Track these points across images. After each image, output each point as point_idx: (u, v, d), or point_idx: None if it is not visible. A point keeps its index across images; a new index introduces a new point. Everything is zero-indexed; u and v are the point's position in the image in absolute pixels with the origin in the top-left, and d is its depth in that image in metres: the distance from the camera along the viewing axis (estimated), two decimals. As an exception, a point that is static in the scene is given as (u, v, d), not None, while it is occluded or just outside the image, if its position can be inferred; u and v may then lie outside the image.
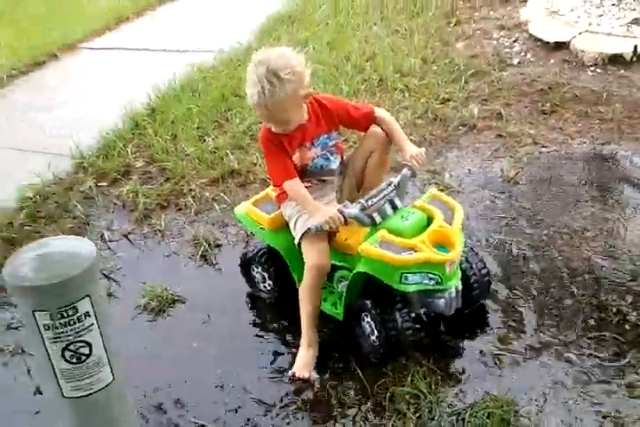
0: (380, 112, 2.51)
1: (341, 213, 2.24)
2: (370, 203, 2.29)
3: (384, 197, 2.31)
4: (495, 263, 2.80)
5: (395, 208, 2.33)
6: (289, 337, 2.55)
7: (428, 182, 3.40)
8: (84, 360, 1.46)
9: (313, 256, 2.35)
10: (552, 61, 4.64)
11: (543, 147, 3.69)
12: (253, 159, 3.72)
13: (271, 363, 2.45)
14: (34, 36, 6.03)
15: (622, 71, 4.37)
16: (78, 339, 1.43)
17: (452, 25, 5.47)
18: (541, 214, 3.12)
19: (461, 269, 2.38)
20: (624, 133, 3.72)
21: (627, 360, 2.28)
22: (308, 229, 2.31)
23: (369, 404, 2.23)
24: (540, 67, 4.60)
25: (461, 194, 3.31)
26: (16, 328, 2.72)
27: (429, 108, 4.09)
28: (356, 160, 2.57)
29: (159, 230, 3.28)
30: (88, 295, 1.41)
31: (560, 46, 4.72)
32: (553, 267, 2.76)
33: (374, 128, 2.49)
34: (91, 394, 1.50)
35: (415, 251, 2.19)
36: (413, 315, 2.37)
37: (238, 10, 6.41)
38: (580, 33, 4.75)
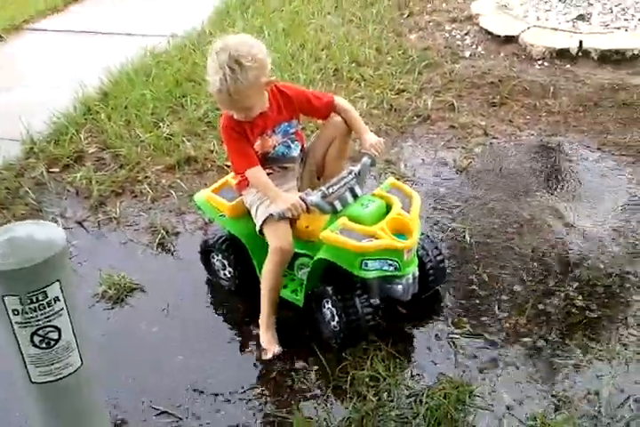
0: (340, 101, 2.54)
1: (303, 200, 2.27)
2: (331, 191, 2.33)
3: (345, 184, 2.35)
4: (449, 250, 2.89)
5: (355, 196, 2.37)
6: (249, 323, 2.57)
7: (384, 172, 3.46)
8: (53, 345, 1.46)
9: (277, 239, 2.37)
10: (502, 55, 4.77)
11: (493, 138, 3.80)
12: (210, 146, 3.70)
13: (231, 349, 2.48)
14: (-24, 15, 5.80)
15: (568, 66, 4.53)
16: (47, 324, 1.42)
17: (405, 16, 5.53)
18: (492, 203, 3.23)
19: (418, 256, 2.45)
20: (570, 126, 3.87)
21: (574, 342, 2.40)
22: (271, 215, 2.34)
23: (330, 387, 2.28)
24: (490, 60, 4.72)
25: (416, 183, 3.39)
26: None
27: (384, 99, 4.15)
28: (317, 149, 2.60)
29: (114, 218, 3.24)
30: (58, 280, 1.40)
31: (509, 40, 4.85)
32: (504, 254, 2.87)
33: (334, 117, 2.52)
34: (60, 379, 1.50)
35: (375, 238, 2.24)
36: (373, 301, 2.41)
37: (191, -6, 6.32)
38: (528, 27, 4.89)
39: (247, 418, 2.20)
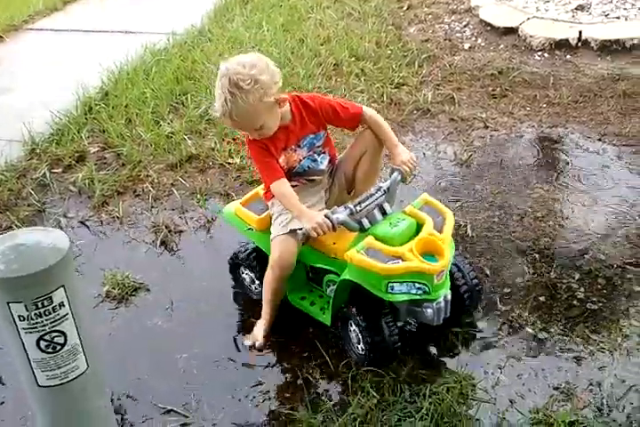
0: (369, 112, 2.41)
1: (329, 218, 2.16)
2: (358, 208, 2.21)
3: (373, 202, 2.24)
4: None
5: (384, 213, 2.26)
6: (253, 322, 2.57)
7: (384, 166, 3.47)
8: (59, 350, 1.48)
9: (277, 254, 2.33)
10: (502, 46, 4.76)
11: (494, 130, 3.81)
12: (211, 144, 3.72)
13: (236, 347, 2.50)
14: (-25, 16, 5.81)
15: (568, 56, 4.52)
16: (53, 329, 1.44)
17: (404, 9, 5.52)
18: (493, 196, 3.24)
19: (452, 277, 2.30)
20: (570, 117, 3.87)
21: (575, 334, 2.42)
22: (295, 233, 2.27)
23: (333, 383, 2.31)
24: (490, 51, 4.71)
25: (416, 177, 3.40)
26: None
27: (384, 93, 4.15)
28: (347, 162, 2.50)
29: (117, 217, 3.26)
30: (62, 286, 1.42)
31: (509, 31, 4.84)
32: (505, 247, 2.88)
33: (365, 131, 2.43)
34: (66, 382, 1.52)
35: (402, 259, 2.11)
36: (400, 323, 2.35)
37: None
38: (528, 18, 4.87)
39: (253, 414, 2.23)
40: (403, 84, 4.32)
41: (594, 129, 3.72)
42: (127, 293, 2.77)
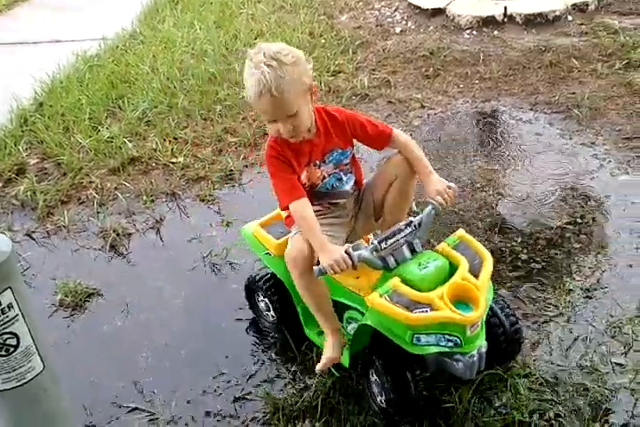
0: (400, 134, 2.18)
1: (349, 255, 1.92)
2: (384, 245, 1.96)
3: (402, 238, 1.98)
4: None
5: (413, 251, 1.99)
6: (209, 318, 2.58)
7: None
8: (13, 352, 1.47)
9: (291, 248, 2.07)
10: (431, 28, 4.86)
11: (430, 109, 3.90)
12: (152, 145, 3.70)
13: (193, 344, 2.49)
14: None
15: (496, 32, 4.64)
16: (4, 331, 1.43)
17: (334, -2, 5.57)
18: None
19: (489, 324, 2.02)
20: (502, 90, 3.99)
21: (522, 294, 2.51)
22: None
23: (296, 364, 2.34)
24: (420, 34, 4.80)
25: (360, 161, 3.43)
26: None
27: (322, 81, 4.19)
28: (376, 187, 2.24)
29: (63, 226, 3.22)
30: (9, 287, 1.41)
31: (437, 12, 4.94)
32: (449, 218, 2.96)
33: (396, 155, 2.18)
34: (24, 384, 1.51)
35: (431, 307, 1.84)
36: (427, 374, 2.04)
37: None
38: (453, -2, 4.99)
39: (218, 405, 2.24)
40: (339, 72, 4.38)
41: (525, 100, 3.84)
42: (81, 299, 2.75)
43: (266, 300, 2.41)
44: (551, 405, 2.07)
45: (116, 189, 3.44)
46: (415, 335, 1.85)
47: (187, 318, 2.62)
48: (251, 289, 2.48)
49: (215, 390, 2.30)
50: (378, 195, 2.22)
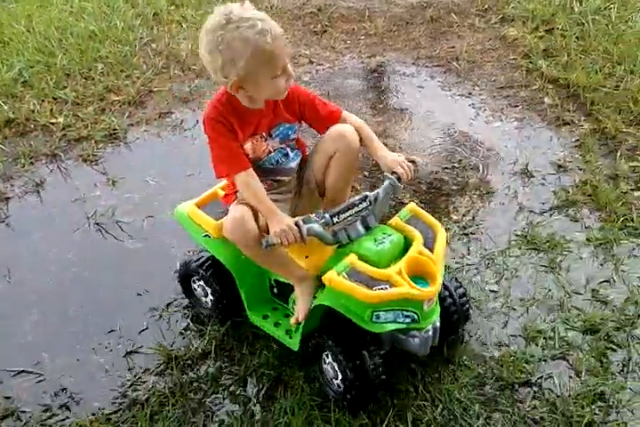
0: (350, 116, 2.10)
1: (299, 227, 1.82)
2: (336, 219, 1.87)
3: (355, 213, 1.90)
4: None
5: (367, 228, 1.91)
6: (89, 276, 2.54)
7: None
8: None
9: (227, 221, 1.93)
10: (318, -16, 4.84)
11: (319, 65, 3.92)
12: (30, 106, 3.52)
13: (76, 302, 2.45)
14: None
15: (381, -11, 4.70)
16: None
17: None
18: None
19: (439, 298, 1.97)
20: (387, 45, 4.06)
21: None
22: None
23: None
24: (307, -10, 4.78)
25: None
26: None
27: (207, 39, 4.10)
28: (315, 163, 2.12)
29: (-63, 194, 3.03)
30: None
31: (323, -30, 4.92)
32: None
33: (336, 129, 2.03)
34: None
35: (391, 284, 1.78)
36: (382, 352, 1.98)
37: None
38: (339, -45, 4.97)
39: (110, 361, 2.22)
40: (226, 29, 4.29)
41: (408, 54, 3.94)
42: (-41, 267, 2.62)
43: (204, 285, 2.26)
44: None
45: (-9, 151, 3.26)
46: (375, 313, 1.79)
47: (73, 278, 2.56)
48: (186, 274, 2.30)
49: (106, 347, 2.28)
50: (318, 171, 2.12)
